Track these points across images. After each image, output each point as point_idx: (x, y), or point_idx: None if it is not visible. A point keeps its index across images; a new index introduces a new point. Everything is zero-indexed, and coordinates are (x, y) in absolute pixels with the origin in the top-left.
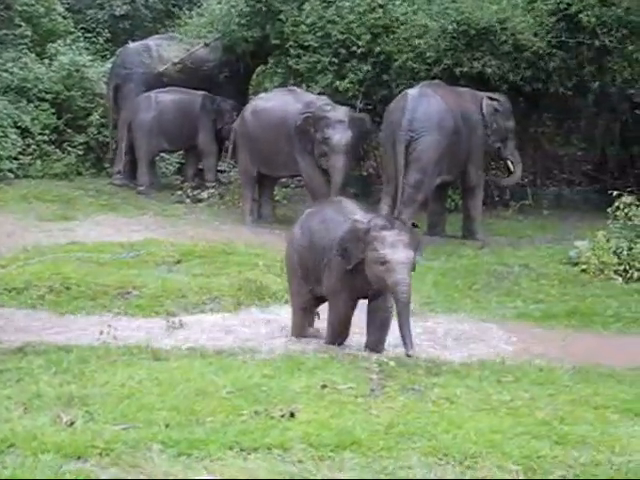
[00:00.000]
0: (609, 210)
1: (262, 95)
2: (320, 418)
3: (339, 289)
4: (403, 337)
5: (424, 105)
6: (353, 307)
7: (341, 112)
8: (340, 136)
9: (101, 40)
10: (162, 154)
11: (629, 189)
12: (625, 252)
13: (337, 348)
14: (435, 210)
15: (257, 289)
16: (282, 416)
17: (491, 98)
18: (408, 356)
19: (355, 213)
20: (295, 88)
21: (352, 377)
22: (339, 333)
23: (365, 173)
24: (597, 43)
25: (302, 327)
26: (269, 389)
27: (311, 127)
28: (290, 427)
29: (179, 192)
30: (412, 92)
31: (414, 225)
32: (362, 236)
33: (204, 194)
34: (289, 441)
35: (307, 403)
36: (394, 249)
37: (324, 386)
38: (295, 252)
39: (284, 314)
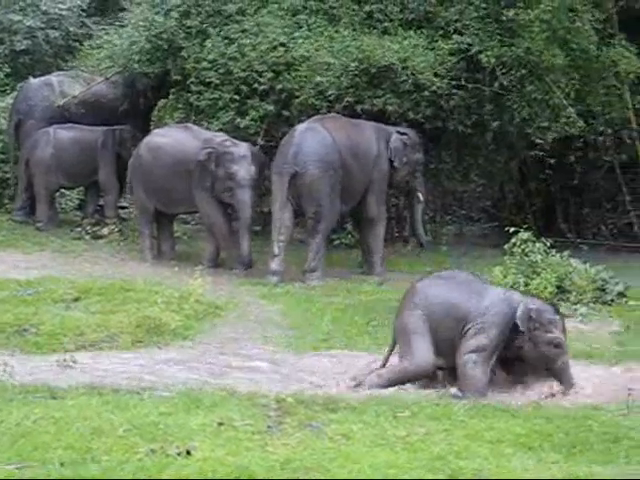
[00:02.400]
0: (506, 246)
1: (157, 131)
2: (216, 455)
3: (486, 354)
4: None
5: (309, 140)
6: None
7: (243, 148)
8: (245, 171)
9: (1, 75)
10: (62, 190)
11: (526, 225)
12: (522, 288)
13: None
14: None
15: (156, 326)
16: (178, 454)
17: (400, 132)
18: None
19: (491, 286)
20: (190, 125)
21: (250, 414)
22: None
23: (266, 209)
24: (496, 83)
25: None
26: (166, 427)
27: (212, 163)
28: (186, 464)
29: (78, 228)
30: (300, 127)
31: None
32: (535, 317)
33: (104, 230)
34: (185, 478)
35: (204, 440)
36: (564, 334)
37: (221, 423)
38: (425, 317)
39: (182, 351)
